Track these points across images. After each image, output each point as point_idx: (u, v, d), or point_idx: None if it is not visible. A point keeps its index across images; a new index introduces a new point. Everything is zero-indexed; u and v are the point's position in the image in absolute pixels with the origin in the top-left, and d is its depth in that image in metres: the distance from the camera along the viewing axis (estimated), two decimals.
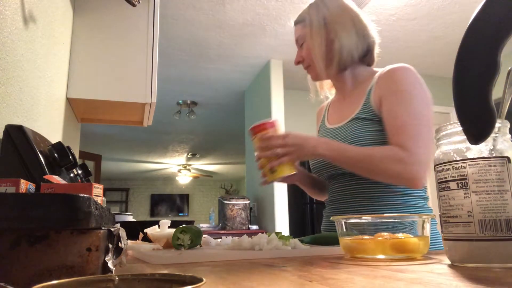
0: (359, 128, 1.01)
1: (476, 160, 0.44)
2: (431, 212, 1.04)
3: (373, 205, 0.99)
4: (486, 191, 0.42)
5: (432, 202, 4.56)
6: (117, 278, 0.28)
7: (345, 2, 1.10)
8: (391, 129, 0.95)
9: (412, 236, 0.57)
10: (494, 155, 0.43)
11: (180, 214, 11.00)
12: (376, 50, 1.12)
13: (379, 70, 1.07)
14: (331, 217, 0.65)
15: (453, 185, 0.45)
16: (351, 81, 1.12)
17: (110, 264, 0.36)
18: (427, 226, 0.58)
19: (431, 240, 0.86)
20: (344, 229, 0.61)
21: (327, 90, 1.22)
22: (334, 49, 1.06)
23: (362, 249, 0.57)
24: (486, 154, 0.44)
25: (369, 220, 0.62)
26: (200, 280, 0.25)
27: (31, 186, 0.63)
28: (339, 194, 1.07)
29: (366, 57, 1.09)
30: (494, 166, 0.43)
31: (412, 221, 0.59)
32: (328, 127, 1.16)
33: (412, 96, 0.95)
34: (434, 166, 0.49)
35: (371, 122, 1.00)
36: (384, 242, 0.56)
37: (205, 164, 9.69)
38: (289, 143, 0.92)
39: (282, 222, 3.76)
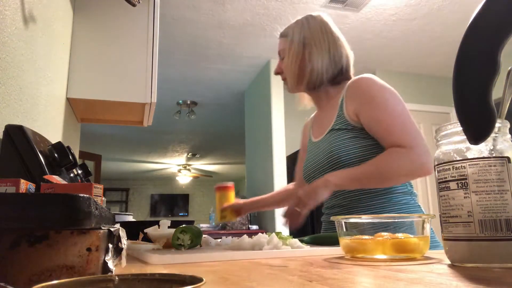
0: (335, 139, 1.06)
1: (476, 160, 0.43)
2: (419, 208, 1.04)
3: (356, 207, 1.03)
4: (486, 191, 0.42)
5: (432, 202, 4.53)
6: (117, 278, 0.28)
7: (327, 24, 1.15)
8: (380, 134, 0.99)
9: (412, 236, 0.57)
10: (494, 155, 0.43)
11: (180, 214, 10.99)
12: (352, 71, 1.16)
13: (347, 82, 1.11)
14: (332, 217, 0.65)
15: (453, 185, 0.45)
16: (325, 97, 1.18)
17: (110, 264, 0.36)
18: (427, 226, 0.57)
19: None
20: (344, 229, 0.61)
21: (306, 103, 1.27)
22: (306, 70, 1.12)
23: (362, 249, 0.57)
24: (486, 154, 0.44)
25: (369, 220, 0.62)
26: (200, 280, 0.25)
27: (31, 186, 0.63)
28: (330, 200, 1.12)
29: (337, 78, 1.13)
30: (494, 166, 0.43)
31: (411, 221, 0.59)
32: (313, 141, 1.21)
33: (385, 99, 1.00)
34: (434, 166, 0.49)
35: (345, 131, 1.05)
36: (384, 242, 0.56)
37: (205, 164, 9.69)
38: (302, 196, 0.97)
39: (282, 222, 3.75)
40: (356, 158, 1.02)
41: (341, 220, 0.61)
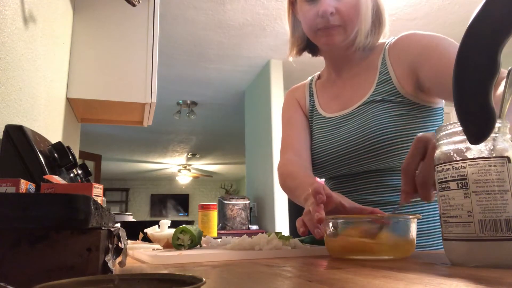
0: (380, 114, 0.84)
1: (476, 160, 0.43)
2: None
3: (388, 198, 0.86)
4: (486, 191, 0.42)
5: None
6: (117, 278, 0.28)
7: None
8: (449, 85, 0.78)
9: (395, 235, 0.57)
10: (494, 155, 0.43)
11: (180, 214, 11.00)
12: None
13: (384, 43, 0.94)
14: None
15: (453, 185, 0.45)
16: (353, 60, 0.95)
17: (110, 264, 0.36)
18: (413, 226, 0.58)
19: (431, 239, 0.86)
20: (331, 229, 0.60)
21: (295, 54, 1.02)
22: (382, 20, 0.92)
23: (342, 251, 0.58)
24: (486, 154, 0.44)
25: (353, 220, 0.61)
26: (200, 280, 0.25)
27: (31, 186, 0.63)
28: (350, 193, 0.92)
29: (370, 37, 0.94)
30: (494, 166, 0.43)
31: (397, 222, 0.59)
32: (327, 116, 0.98)
33: (448, 41, 0.83)
34: (434, 166, 0.49)
35: (392, 104, 0.84)
36: (362, 244, 0.56)
37: (205, 164, 9.69)
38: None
39: (282, 222, 3.76)
40: (403, 143, 0.81)
41: (329, 221, 0.61)
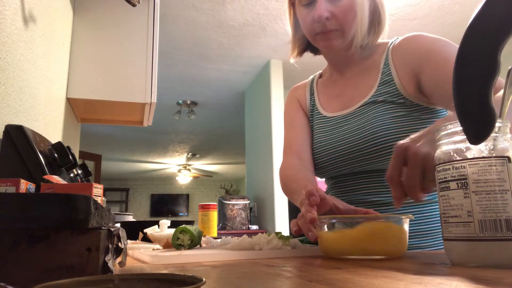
0: (381, 115, 0.83)
1: (476, 160, 0.43)
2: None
3: (386, 198, 0.86)
4: (486, 191, 0.42)
5: None
6: (117, 278, 0.28)
7: None
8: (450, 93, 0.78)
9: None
10: (494, 155, 0.43)
11: (180, 214, 11.00)
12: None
13: (387, 43, 0.93)
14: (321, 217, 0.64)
15: (453, 185, 0.45)
16: (354, 58, 0.95)
17: (110, 264, 0.36)
18: (405, 226, 0.58)
19: (431, 239, 0.86)
20: (326, 229, 0.60)
21: (296, 55, 1.02)
22: (381, 19, 0.91)
23: (337, 250, 0.58)
24: (486, 154, 0.44)
25: (345, 220, 0.61)
26: (200, 280, 0.25)
27: (31, 186, 0.63)
28: (350, 193, 0.91)
29: (370, 35, 0.94)
30: (494, 166, 0.43)
31: (390, 220, 0.59)
32: (328, 115, 0.97)
33: (454, 47, 0.82)
34: (435, 166, 0.49)
35: (394, 106, 0.84)
36: (356, 241, 0.56)
37: (205, 164, 9.69)
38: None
39: (282, 222, 3.76)
40: None
41: (324, 220, 0.61)
